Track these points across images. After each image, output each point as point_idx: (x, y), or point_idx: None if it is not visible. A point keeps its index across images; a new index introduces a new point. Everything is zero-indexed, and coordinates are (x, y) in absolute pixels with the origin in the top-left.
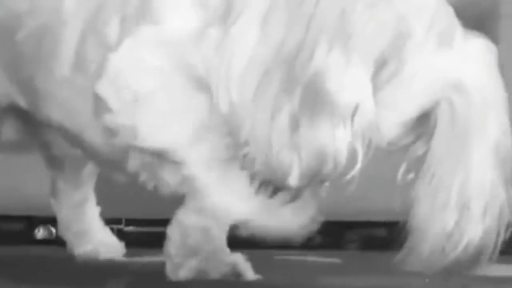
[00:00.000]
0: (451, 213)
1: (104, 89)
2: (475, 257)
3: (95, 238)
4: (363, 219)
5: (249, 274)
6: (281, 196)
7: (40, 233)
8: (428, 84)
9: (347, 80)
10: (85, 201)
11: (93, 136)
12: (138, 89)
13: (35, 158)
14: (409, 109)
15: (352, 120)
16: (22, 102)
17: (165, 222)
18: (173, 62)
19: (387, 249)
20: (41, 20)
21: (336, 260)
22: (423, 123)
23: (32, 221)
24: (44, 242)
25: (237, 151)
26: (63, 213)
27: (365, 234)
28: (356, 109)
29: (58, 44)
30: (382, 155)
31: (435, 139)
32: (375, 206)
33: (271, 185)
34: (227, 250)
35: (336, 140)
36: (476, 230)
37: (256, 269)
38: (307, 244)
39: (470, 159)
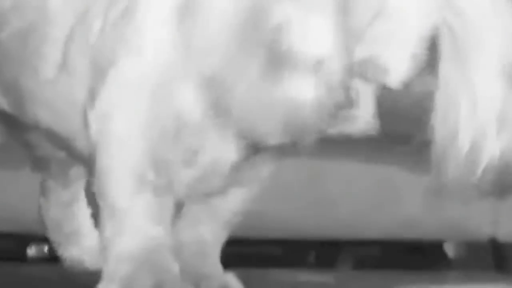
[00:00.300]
0: (465, 136)
1: (90, 111)
2: (502, 178)
3: (84, 245)
4: (357, 238)
5: None
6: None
7: (33, 251)
8: (420, 7)
9: (309, 30)
10: (74, 201)
11: (82, 140)
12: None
13: (27, 174)
14: (410, 39)
15: (319, 69)
16: (5, 105)
17: None
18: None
19: (381, 268)
20: (26, 18)
21: (329, 279)
22: (433, 56)
23: (24, 239)
24: (37, 260)
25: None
26: (52, 213)
27: (359, 254)
28: (322, 59)
29: (44, 44)
30: (374, 178)
31: (441, 68)
32: (369, 225)
33: (257, 146)
34: (220, 268)
35: (301, 94)
36: (493, 150)
37: None
38: (301, 263)
39: (476, 79)
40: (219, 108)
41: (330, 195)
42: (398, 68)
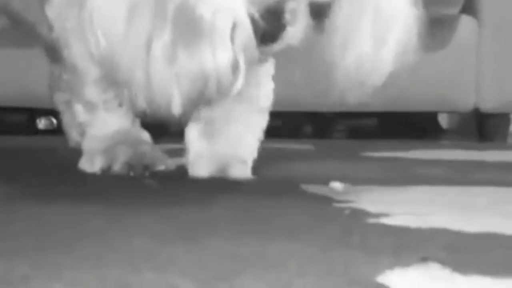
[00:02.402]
0: (364, 44)
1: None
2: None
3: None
4: (350, 111)
5: None
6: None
7: (42, 123)
8: None
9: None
10: None
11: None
12: None
13: (37, 52)
14: None
15: (232, 38)
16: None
17: None
18: None
19: (376, 138)
20: None
21: (324, 147)
22: None
23: (34, 112)
24: (46, 132)
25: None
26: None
27: (353, 124)
28: (233, 27)
29: None
30: None
31: None
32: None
33: (157, 118)
34: None
35: (218, 61)
36: (388, 59)
37: None
38: (296, 134)
39: None
40: (114, 78)
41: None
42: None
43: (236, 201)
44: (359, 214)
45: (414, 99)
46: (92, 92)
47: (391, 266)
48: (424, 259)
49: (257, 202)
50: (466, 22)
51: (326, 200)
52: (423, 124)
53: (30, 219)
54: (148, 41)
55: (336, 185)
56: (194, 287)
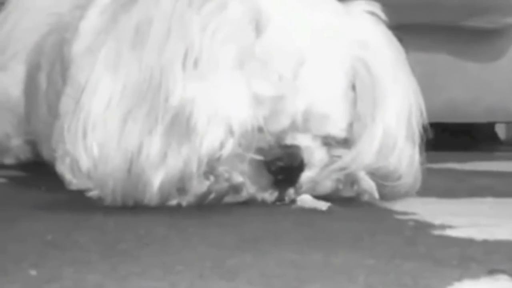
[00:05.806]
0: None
1: None
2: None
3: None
4: None
5: None
6: None
7: None
8: (337, 53)
9: (218, 106)
10: None
11: None
12: None
13: None
14: (338, 84)
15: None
16: None
17: None
18: None
19: (432, 149)
20: None
21: None
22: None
23: None
24: None
25: None
26: None
27: None
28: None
29: None
30: (420, 64)
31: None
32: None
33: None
34: None
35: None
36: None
37: None
38: None
39: (383, 117)
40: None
41: None
42: (336, 111)
43: (294, 210)
44: (423, 226)
45: (471, 110)
46: None
47: (459, 278)
48: (493, 271)
49: (316, 211)
50: None
51: (386, 211)
52: (479, 135)
53: (94, 228)
54: (139, 144)
55: (306, 197)
56: None
